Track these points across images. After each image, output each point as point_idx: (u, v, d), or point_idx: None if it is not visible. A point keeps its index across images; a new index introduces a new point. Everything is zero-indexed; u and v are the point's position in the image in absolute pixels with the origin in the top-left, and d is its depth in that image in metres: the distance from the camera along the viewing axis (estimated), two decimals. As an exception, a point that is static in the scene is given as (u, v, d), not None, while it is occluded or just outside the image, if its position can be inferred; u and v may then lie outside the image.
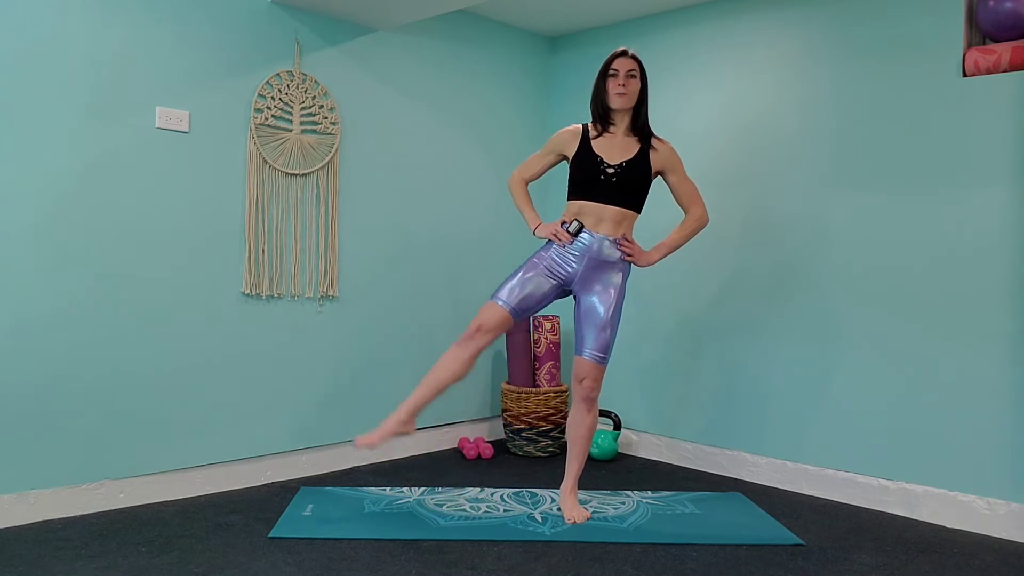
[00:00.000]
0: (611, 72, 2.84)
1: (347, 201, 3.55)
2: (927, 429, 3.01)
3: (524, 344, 3.95)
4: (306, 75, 3.39)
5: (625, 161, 2.83)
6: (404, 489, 3.21)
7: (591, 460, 3.78)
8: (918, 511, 3.01)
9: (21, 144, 2.68)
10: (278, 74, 3.29)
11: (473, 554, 2.53)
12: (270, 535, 2.65)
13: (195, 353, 3.09)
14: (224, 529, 2.71)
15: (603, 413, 3.86)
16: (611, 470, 3.63)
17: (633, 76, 2.84)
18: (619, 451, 3.98)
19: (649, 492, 3.26)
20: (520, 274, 2.88)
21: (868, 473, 3.16)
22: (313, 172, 3.42)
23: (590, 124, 2.93)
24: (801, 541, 2.71)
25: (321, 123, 3.44)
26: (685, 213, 2.97)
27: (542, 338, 3.99)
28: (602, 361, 2.84)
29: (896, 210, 3.10)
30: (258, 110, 3.23)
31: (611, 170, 2.82)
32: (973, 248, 2.91)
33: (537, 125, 4.36)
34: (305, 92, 3.38)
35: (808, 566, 2.50)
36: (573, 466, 2.95)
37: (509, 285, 2.87)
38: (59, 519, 2.75)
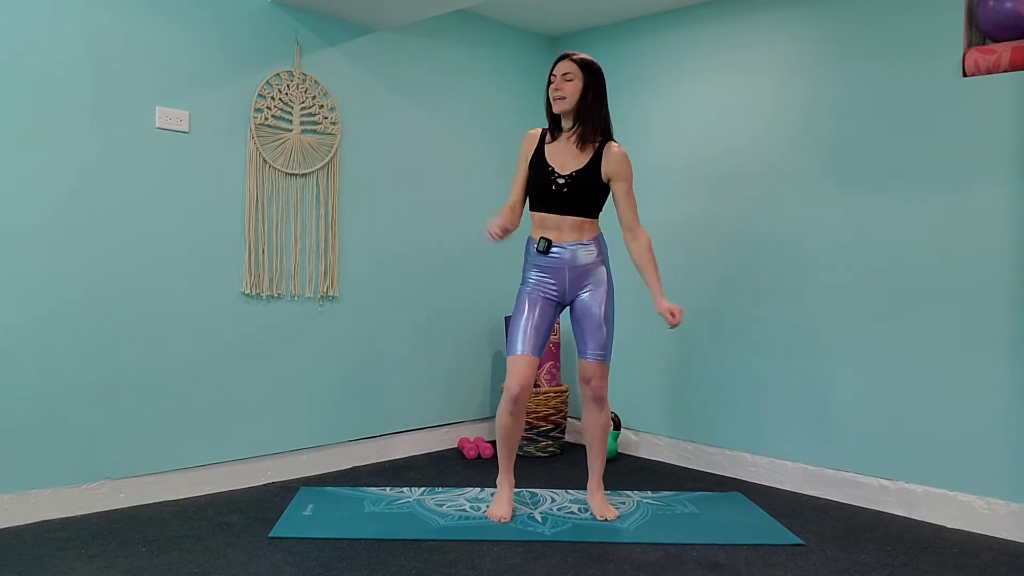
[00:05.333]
0: (551, 78, 2.84)
1: (347, 201, 3.55)
2: (927, 429, 3.01)
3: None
4: (306, 75, 3.39)
5: (575, 171, 2.81)
6: (404, 489, 3.21)
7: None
8: (918, 511, 3.01)
9: (21, 144, 2.68)
10: (278, 74, 3.30)
11: (473, 554, 2.53)
12: (270, 535, 2.65)
13: (195, 353, 3.09)
14: (224, 529, 2.71)
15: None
16: (611, 470, 3.63)
17: (569, 79, 2.79)
18: (619, 451, 3.98)
19: (649, 492, 3.26)
20: (524, 316, 2.82)
21: (868, 473, 3.16)
22: (313, 172, 3.42)
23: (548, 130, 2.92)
24: (801, 541, 2.71)
25: (321, 123, 3.44)
26: (627, 228, 2.86)
27: (542, 338, 3.99)
28: (604, 359, 2.85)
29: (896, 210, 3.10)
30: (258, 110, 3.23)
31: (561, 180, 2.81)
32: (973, 248, 2.91)
33: (537, 125, 4.34)
34: (305, 92, 3.38)
35: (808, 566, 2.50)
36: (595, 464, 2.96)
37: (521, 334, 2.81)
38: (59, 519, 2.74)
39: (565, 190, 2.81)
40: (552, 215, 2.84)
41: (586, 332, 2.85)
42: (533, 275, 2.88)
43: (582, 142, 2.83)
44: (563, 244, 2.83)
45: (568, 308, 2.93)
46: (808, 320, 3.35)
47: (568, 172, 2.82)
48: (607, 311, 2.86)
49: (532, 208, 2.90)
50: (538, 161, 2.86)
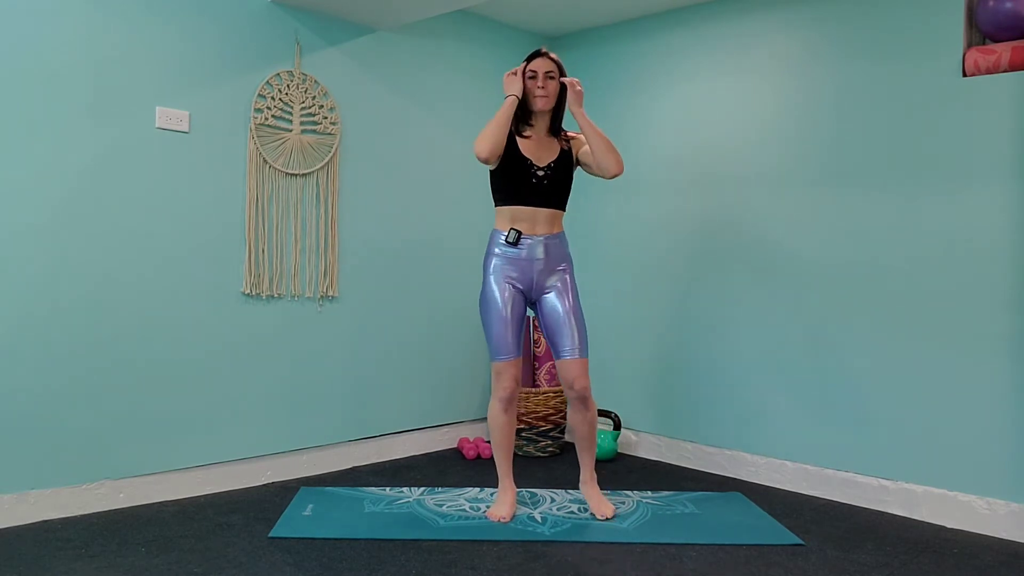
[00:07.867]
0: (529, 74, 2.84)
1: (347, 201, 3.55)
2: (927, 429, 3.01)
3: (523, 344, 3.95)
4: (306, 75, 3.39)
5: (552, 162, 2.85)
6: (404, 489, 3.21)
7: (591, 460, 3.79)
8: (918, 511, 3.01)
9: (21, 144, 2.68)
10: (278, 74, 3.30)
11: (473, 554, 2.53)
12: (270, 535, 2.65)
13: (195, 353, 3.09)
14: (224, 529, 2.71)
15: (603, 413, 3.86)
16: (611, 470, 3.63)
17: (551, 77, 2.84)
18: (619, 451, 3.98)
19: (649, 492, 3.26)
20: (500, 320, 2.83)
21: (868, 473, 3.16)
22: (313, 172, 3.42)
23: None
24: (801, 541, 2.71)
25: (321, 123, 3.44)
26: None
27: (542, 338, 3.99)
28: (583, 353, 2.85)
29: (896, 210, 3.10)
30: (258, 110, 3.23)
31: (541, 172, 2.83)
32: (973, 248, 2.91)
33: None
34: (305, 92, 3.38)
35: (808, 566, 2.50)
36: (585, 459, 2.96)
37: (501, 339, 2.84)
38: (59, 519, 2.75)
39: (545, 182, 2.84)
40: (526, 208, 2.84)
41: (559, 331, 2.85)
42: (497, 264, 2.85)
43: (551, 136, 2.91)
44: (532, 236, 2.84)
45: (535, 311, 2.93)
46: (807, 320, 3.35)
47: (546, 164, 2.85)
48: (575, 305, 2.87)
49: (502, 203, 2.89)
50: (513, 155, 2.85)
